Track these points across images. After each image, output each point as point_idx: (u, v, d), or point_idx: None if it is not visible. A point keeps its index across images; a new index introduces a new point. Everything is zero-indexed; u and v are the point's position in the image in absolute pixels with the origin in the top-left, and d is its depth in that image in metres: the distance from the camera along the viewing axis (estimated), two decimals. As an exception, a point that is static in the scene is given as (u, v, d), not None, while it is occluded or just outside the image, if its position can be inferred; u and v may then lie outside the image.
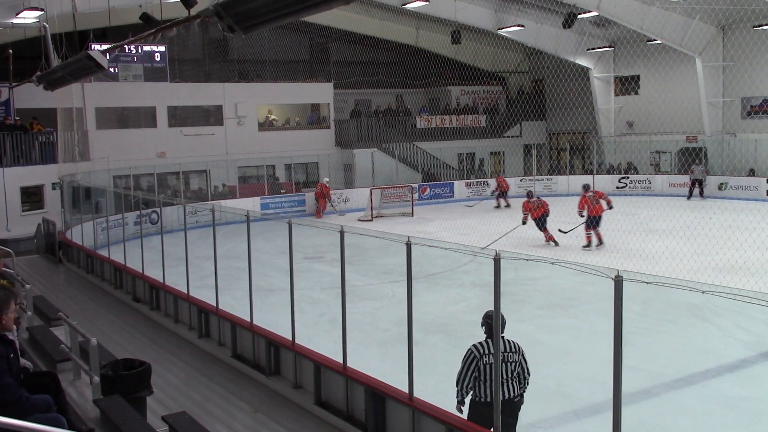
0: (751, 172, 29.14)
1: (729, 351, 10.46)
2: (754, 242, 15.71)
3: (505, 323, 6.22)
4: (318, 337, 9.98)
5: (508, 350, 6.32)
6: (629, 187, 31.53)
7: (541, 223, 19.47)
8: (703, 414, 8.38)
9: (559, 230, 19.47)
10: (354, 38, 33.91)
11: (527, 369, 6.50)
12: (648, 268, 13.86)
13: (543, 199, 20.58)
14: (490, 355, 6.22)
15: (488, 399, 6.25)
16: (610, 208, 18.57)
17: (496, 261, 5.64)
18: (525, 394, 6.56)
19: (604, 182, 31.82)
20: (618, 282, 4.76)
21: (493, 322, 6.19)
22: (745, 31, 28.70)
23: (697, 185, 28.92)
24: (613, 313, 4.81)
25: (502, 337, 6.24)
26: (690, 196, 28.92)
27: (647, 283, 4.71)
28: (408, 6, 29.34)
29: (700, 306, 11.97)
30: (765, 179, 28.11)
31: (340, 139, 32.55)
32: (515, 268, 14.26)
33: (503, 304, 5.78)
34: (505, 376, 6.28)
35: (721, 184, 29.16)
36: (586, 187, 19.25)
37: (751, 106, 30.01)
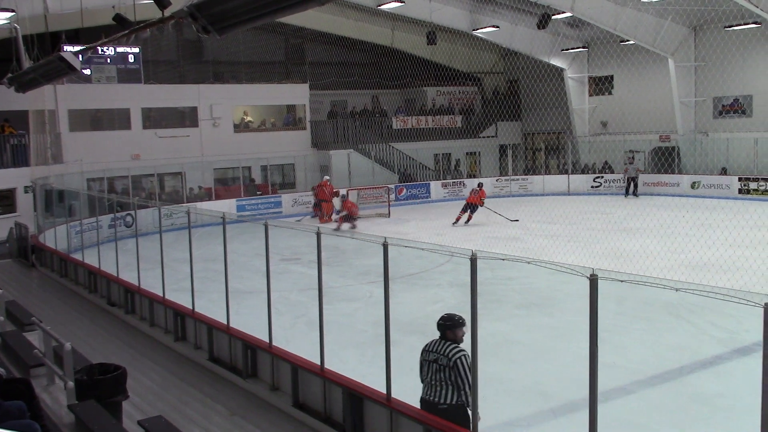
0: (723, 171, 29.54)
1: (703, 348, 10.58)
2: (726, 240, 15.92)
3: (460, 331, 6.17)
4: (295, 339, 9.96)
5: (437, 351, 6.18)
6: (604, 186, 31.79)
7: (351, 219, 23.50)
8: (679, 410, 8.46)
9: (514, 220, 23.00)
10: (329, 39, 33.87)
11: (462, 381, 6.05)
12: (623, 267, 13.97)
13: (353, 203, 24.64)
14: (429, 353, 6.26)
15: (425, 396, 6.31)
16: (480, 205, 23.47)
17: (473, 261, 5.67)
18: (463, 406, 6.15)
19: (579, 182, 32.13)
20: (593, 280, 4.80)
21: (451, 324, 6.24)
22: (716, 31, 29.08)
23: (632, 183, 29.98)
24: (589, 311, 4.86)
25: (444, 340, 6.22)
26: (627, 193, 30.00)
27: (622, 281, 4.75)
28: (383, 7, 29.33)
29: (675, 303, 12.09)
30: (737, 178, 28.49)
31: (316, 140, 32.46)
32: (492, 268, 14.26)
33: (480, 304, 5.79)
34: (426, 378, 6.27)
35: (694, 182, 29.51)
36: (479, 185, 24.42)
37: (723, 106, 30.40)
